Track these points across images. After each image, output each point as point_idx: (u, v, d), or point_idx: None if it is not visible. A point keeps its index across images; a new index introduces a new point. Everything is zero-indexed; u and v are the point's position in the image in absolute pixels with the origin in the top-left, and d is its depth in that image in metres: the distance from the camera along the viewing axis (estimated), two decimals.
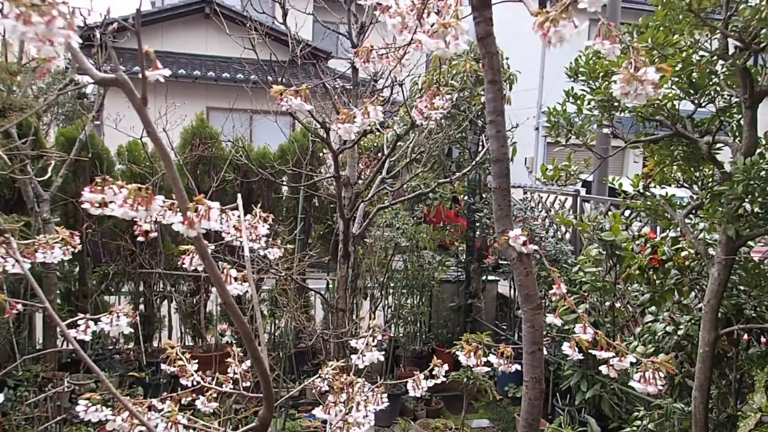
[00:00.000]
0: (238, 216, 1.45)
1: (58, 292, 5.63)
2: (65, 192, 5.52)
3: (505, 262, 6.48)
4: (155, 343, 6.28)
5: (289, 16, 4.44)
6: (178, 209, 1.13)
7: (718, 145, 3.02)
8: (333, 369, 1.75)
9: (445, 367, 1.86)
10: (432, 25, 1.38)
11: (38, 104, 5.17)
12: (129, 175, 5.92)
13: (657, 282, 3.46)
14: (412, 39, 1.53)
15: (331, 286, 5.94)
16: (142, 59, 0.95)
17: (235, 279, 1.48)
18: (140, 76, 0.95)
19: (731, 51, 2.89)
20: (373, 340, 1.76)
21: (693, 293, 3.48)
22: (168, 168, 1.03)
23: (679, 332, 3.30)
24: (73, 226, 5.78)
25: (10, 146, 4.58)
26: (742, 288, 3.18)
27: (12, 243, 1.54)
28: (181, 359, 1.70)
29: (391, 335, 6.45)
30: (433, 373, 1.84)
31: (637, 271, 3.53)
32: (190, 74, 12.51)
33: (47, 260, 1.64)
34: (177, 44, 13.49)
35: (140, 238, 1.36)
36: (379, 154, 5.19)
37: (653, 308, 3.55)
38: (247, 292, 1.47)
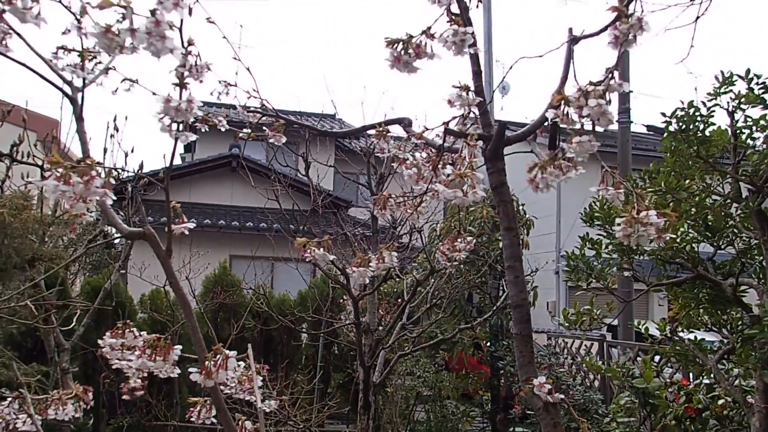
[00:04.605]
0: (244, 367, 1.43)
1: None
2: (86, 341, 5.50)
3: (533, 413, 6.20)
4: None
5: (312, 169, 4.65)
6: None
7: (743, 288, 2.98)
8: None
9: None
10: (448, 176, 1.44)
11: (68, 255, 5.31)
12: (150, 323, 5.93)
13: None
14: (428, 188, 1.59)
15: None
16: (169, 215, 1.00)
17: None
18: (166, 228, 0.99)
19: (744, 194, 2.94)
20: None
21: None
22: (188, 318, 1.05)
23: None
24: (91, 375, 5.72)
25: (37, 296, 4.65)
26: None
27: (27, 398, 1.52)
28: None
29: None
30: None
31: (674, 422, 3.35)
32: (215, 224, 12.89)
33: (59, 417, 1.60)
34: (204, 196, 14.04)
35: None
36: (399, 300, 5.17)
37: None
38: None
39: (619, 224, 1.18)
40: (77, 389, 1.64)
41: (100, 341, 1.24)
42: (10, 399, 1.53)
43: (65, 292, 5.44)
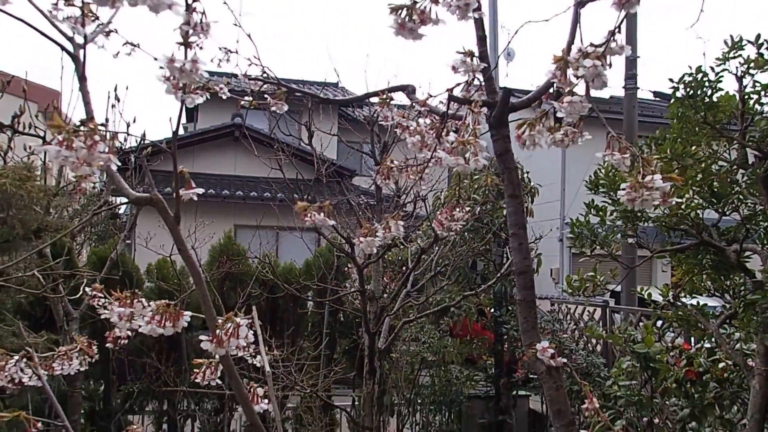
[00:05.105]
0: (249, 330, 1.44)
1: (82, 411, 5.54)
2: (94, 310, 5.54)
3: (536, 377, 6.27)
4: None
5: (315, 138, 4.63)
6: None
7: (747, 253, 2.98)
8: None
9: None
10: (451, 143, 1.43)
11: (73, 225, 5.34)
12: (157, 292, 5.98)
13: (696, 396, 3.31)
14: (432, 156, 1.58)
15: (357, 403, 5.77)
16: (177, 179, 1.00)
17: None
18: (174, 195, 0.99)
19: (751, 160, 2.93)
20: None
21: (735, 407, 3.31)
22: (198, 285, 1.06)
23: None
24: (101, 343, 5.80)
25: (44, 266, 4.69)
26: None
27: (33, 357, 1.55)
28: None
29: None
30: None
31: (674, 385, 3.39)
32: (219, 194, 12.91)
33: (65, 372, 1.62)
34: (207, 166, 14.02)
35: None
36: (404, 268, 5.20)
37: (694, 424, 3.37)
38: (270, 411, 1.44)
39: (623, 189, 1.18)
40: (82, 343, 1.66)
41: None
42: (16, 357, 1.56)
43: (72, 262, 5.48)
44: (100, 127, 0.87)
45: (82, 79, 1.14)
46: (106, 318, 1.31)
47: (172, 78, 0.99)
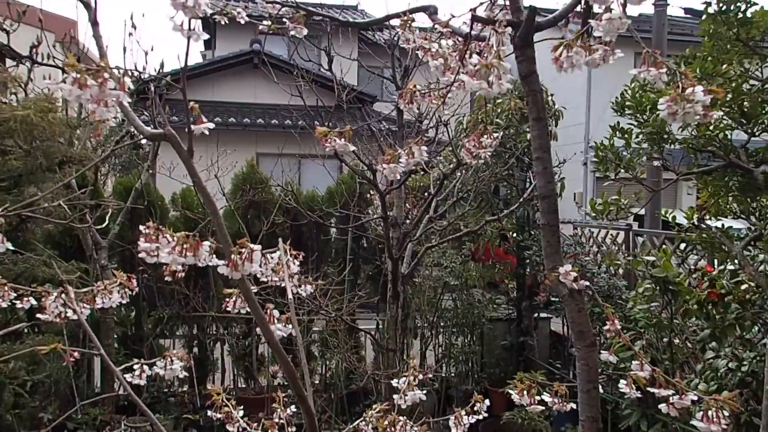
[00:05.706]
0: (278, 258, 1.47)
1: (115, 336, 5.76)
2: (122, 239, 5.69)
3: (558, 299, 6.34)
4: (209, 386, 6.32)
5: (335, 63, 4.55)
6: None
7: None
8: (378, 411, 1.73)
9: (487, 402, 1.83)
10: (474, 66, 1.39)
11: (96, 156, 5.39)
12: (183, 221, 6.07)
13: (717, 317, 3.33)
14: (455, 79, 1.55)
15: (381, 326, 5.91)
16: (188, 115, 1.00)
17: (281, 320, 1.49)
18: (187, 129, 0.99)
19: None
20: (414, 380, 1.74)
21: (756, 328, 3.33)
22: (213, 215, 1.07)
23: (743, 369, 3.15)
24: (129, 271, 5.94)
25: (71, 196, 4.77)
26: None
27: (70, 293, 1.60)
28: (227, 405, 1.72)
29: (443, 375, 6.36)
30: (475, 408, 1.81)
31: (696, 306, 3.40)
32: (240, 122, 12.87)
33: (106, 305, 1.68)
34: (227, 94, 13.92)
35: (172, 276, 1.43)
36: (426, 194, 5.20)
37: (714, 344, 3.41)
38: (294, 335, 1.48)
39: (662, 103, 1.14)
40: (121, 277, 1.72)
41: (136, 238, 1.27)
42: (55, 294, 1.61)
43: (97, 192, 5.56)
44: (111, 68, 0.88)
45: (94, 24, 1.16)
46: (132, 247, 1.34)
47: (178, 16, 0.99)
